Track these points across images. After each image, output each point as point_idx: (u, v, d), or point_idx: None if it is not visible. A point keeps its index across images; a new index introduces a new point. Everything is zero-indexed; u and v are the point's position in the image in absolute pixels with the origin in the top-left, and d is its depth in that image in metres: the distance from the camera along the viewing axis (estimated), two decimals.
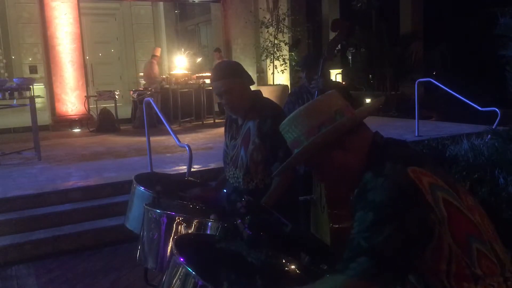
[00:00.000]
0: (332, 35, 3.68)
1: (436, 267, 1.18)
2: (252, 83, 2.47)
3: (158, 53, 11.05)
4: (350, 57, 15.14)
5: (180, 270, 1.35)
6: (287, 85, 11.48)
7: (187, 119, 10.16)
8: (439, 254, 1.17)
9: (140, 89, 10.16)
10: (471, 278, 1.18)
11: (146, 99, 5.99)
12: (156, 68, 10.83)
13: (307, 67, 3.64)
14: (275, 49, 11.33)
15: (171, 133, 5.07)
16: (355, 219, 1.22)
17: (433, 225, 1.17)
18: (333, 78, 11.96)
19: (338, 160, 1.36)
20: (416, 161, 1.27)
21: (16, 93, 6.54)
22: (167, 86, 10.51)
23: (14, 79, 7.17)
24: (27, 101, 6.71)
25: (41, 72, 11.72)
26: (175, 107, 9.97)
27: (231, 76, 2.33)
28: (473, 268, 1.18)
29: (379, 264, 1.14)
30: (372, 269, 1.14)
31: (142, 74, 12.07)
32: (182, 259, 1.36)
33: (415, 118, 7.76)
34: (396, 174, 1.21)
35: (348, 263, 1.17)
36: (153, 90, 10.01)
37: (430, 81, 8.26)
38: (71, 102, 9.82)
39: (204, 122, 10.26)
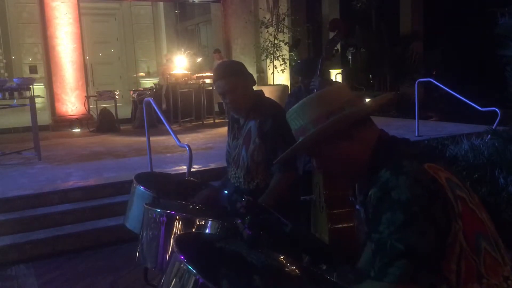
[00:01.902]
0: (331, 35, 3.68)
1: (447, 266, 1.16)
2: (254, 83, 2.47)
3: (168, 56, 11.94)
4: (350, 57, 15.14)
5: (180, 268, 1.35)
6: (287, 85, 11.49)
7: (187, 119, 10.16)
8: (451, 252, 1.16)
9: (140, 89, 10.17)
10: (475, 278, 1.17)
11: (146, 99, 5.98)
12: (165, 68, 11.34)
13: (302, 73, 3.66)
14: (275, 49, 11.34)
15: (171, 133, 5.07)
16: (382, 221, 1.17)
17: (451, 221, 1.16)
18: (333, 78, 11.96)
19: (342, 151, 1.35)
20: (430, 157, 1.27)
21: (16, 93, 6.54)
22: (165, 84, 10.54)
23: (14, 79, 7.18)
24: (27, 101, 6.72)
25: (41, 72, 11.73)
26: (175, 107, 9.97)
27: (234, 75, 2.33)
28: (479, 267, 1.18)
29: (419, 264, 1.12)
30: (413, 270, 1.11)
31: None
32: (182, 257, 1.36)
33: (415, 118, 7.76)
34: (416, 171, 1.20)
35: (386, 269, 1.13)
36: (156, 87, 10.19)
37: (430, 81, 8.27)
38: (71, 102, 9.83)
39: (204, 122, 10.26)
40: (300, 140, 1.37)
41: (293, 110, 1.39)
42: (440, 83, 7.82)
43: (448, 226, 1.15)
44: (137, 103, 9.85)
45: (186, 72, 10.96)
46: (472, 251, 1.17)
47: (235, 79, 2.32)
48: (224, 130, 2.76)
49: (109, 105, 9.92)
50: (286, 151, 1.43)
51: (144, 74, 15.01)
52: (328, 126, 1.31)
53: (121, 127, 9.70)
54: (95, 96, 9.84)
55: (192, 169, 4.92)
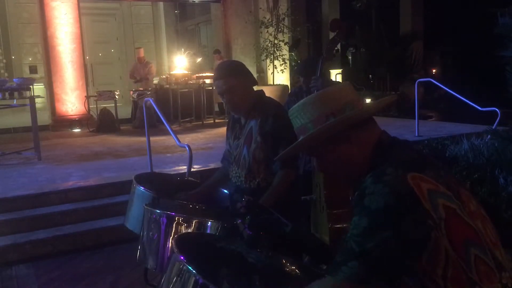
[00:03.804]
0: (332, 35, 3.68)
1: (432, 270, 1.18)
2: (255, 83, 2.47)
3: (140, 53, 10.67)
4: (350, 57, 15.15)
5: (180, 268, 1.35)
6: (287, 85, 11.49)
7: (187, 119, 10.16)
8: (436, 258, 1.17)
9: (140, 89, 10.17)
10: (467, 284, 1.18)
11: (146, 99, 5.99)
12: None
13: (304, 73, 3.67)
14: (274, 49, 11.34)
15: (171, 133, 5.07)
16: (351, 222, 1.22)
17: (430, 230, 1.17)
18: (333, 78, 11.96)
19: (342, 153, 1.36)
20: (418, 167, 1.27)
21: (16, 93, 6.54)
22: (167, 86, 10.51)
23: (14, 79, 7.18)
24: (27, 101, 6.71)
25: (41, 72, 11.72)
26: (175, 107, 9.97)
27: (233, 75, 2.33)
28: (469, 274, 1.18)
29: (368, 269, 1.15)
30: (362, 273, 1.15)
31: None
32: (182, 258, 1.36)
33: (415, 118, 7.76)
34: (395, 180, 1.21)
35: (339, 266, 1.18)
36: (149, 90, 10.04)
37: (430, 81, 8.27)
38: (71, 102, 9.83)
39: (204, 122, 10.25)
40: (299, 140, 1.37)
41: (295, 108, 1.39)
42: (440, 83, 7.83)
43: (425, 236, 1.16)
44: (137, 103, 9.85)
45: (186, 72, 10.95)
46: (460, 258, 1.18)
47: (233, 80, 2.32)
48: (224, 130, 2.76)
49: (109, 105, 9.92)
50: (287, 148, 1.44)
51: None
52: (327, 128, 1.32)
53: (121, 127, 9.70)
54: (95, 96, 9.84)
55: (192, 169, 4.92)
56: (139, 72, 10.49)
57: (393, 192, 1.18)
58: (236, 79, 2.33)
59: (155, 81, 12.23)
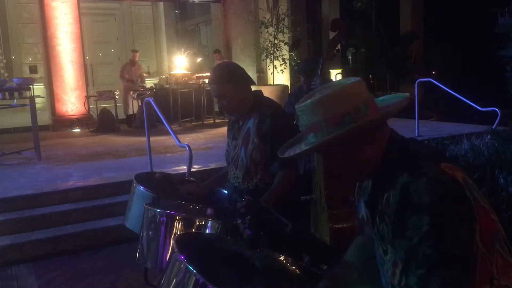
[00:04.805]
0: (332, 35, 3.69)
1: None
2: (253, 83, 2.47)
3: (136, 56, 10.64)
4: (350, 57, 15.14)
5: (181, 267, 1.35)
6: (287, 85, 11.49)
7: (187, 119, 10.16)
8: None
9: (140, 89, 10.17)
10: (488, 280, 1.14)
11: (146, 99, 5.99)
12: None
13: (305, 73, 3.67)
14: (274, 49, 11.34)
15: (171, 133, 5.08)
16: (407, 226, 1.11)
17: (473, 221, 1.12)
18: (333, 78, 11.95)
19: (356, 151, 1.30)
20: (443, 157, 1.24)
21: (16, 93, 6.55)
22: (167, 86, 10.51)
23: (14, 79, 7.18)
24: (27, 101, 6.72)
25: (41, 72, 11.72)
26: (175, 107, 9.97)
27: (226, 82, 2.32)
28: (492, 268, 1.15)
29: (460, 268, 1.07)
30: (456, 276, 1.06)
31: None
32: (183, 257, 1.36)
33: (415, 118, 7.76)
34: (435, 171, 1.15)
35: (426, 280, 1.07)
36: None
37: (430, 81, 8.27)
38: (71, 102, 9.82)
39: (204, 122, 10.26)
40: (317, 142, 1.28)
41: (306, 104, 1.29)
42: (440, 83, 7.83)
43: (473, 227, 1.11)
44: (137, 103, 9.85)
45: (186, 72, 10.95)
46: (488, 252, 1.14)
47: (227, 86, 2.32)
48: (224, 130, 2.77)
49: (109, 105, 9.91)
50: (302, 150, 1.33)
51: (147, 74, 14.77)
52: (349, 131, 1.24)
53: (121, 127, 9.70)
54: (95, 96, 9.84)
55: (192, 169, 4.92)
56: (134, 74, 10.46)
57: (439, 182, 1.13)
58: (229, 85, 2.32)
59: (155, 81, 12.24)
